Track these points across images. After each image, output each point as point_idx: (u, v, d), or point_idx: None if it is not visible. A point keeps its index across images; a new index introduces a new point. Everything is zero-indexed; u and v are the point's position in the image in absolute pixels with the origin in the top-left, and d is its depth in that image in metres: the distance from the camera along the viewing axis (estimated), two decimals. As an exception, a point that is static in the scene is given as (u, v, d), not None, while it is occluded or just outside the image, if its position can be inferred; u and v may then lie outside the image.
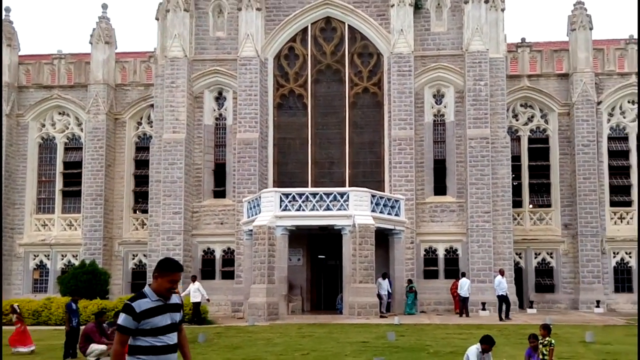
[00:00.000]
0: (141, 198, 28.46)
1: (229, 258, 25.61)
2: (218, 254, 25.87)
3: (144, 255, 26.78)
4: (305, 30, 26.70)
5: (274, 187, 24.83)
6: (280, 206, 22.35)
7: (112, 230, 28.14)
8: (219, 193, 26.42)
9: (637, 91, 27.58)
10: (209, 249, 26.01)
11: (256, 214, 22.91)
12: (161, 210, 25.17)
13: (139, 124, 29.27)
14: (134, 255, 28.06)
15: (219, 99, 27.06)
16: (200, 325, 19.97)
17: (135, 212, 28.80)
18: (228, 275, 25.34)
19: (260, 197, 22.92)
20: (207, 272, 25.73)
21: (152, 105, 27.60)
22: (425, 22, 26.13)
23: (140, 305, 4.60)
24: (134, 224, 28.58)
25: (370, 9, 26.29)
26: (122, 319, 4.61)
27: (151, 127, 27.80)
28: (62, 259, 28.44)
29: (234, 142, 25.77)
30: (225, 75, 26.48)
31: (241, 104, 25.68)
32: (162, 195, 25.26)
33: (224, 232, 25.56)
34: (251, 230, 22.78)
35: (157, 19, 27.26)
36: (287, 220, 22.27)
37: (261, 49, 26.14)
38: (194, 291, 20.85)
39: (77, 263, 26.03)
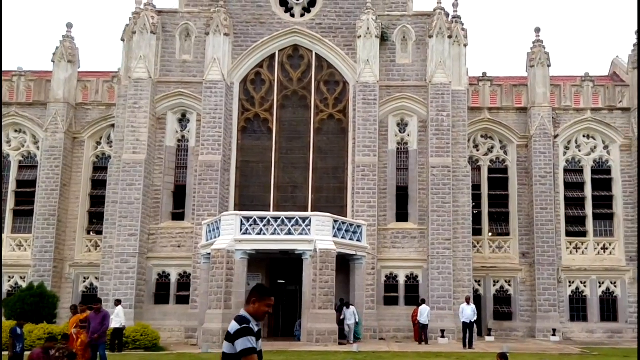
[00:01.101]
0: (96, 219, 27.94)
1: (184, 282, 25.27)
2: (173, 278, 25.49)
3: (96, 278, 26.18)
4: (272, 56, 27.21)
5: (235, 210, 24.81)
6: (241, 229, 22.32)
7: (63, 251, 27.48)
8: (178, 215, 26.21)
9: (592, 126, 28.97)
10: (164, 272, 25.61)
11: (215, 237, 22.80)
12: (116, 231, 24.78)
13: (98, 143, 29.00)
14: (85, 277, 27.39)
15: (183, 120, 27.14)
16: (120, 352, 19.10)
17: (89, 233, 28.23)
18: (183, 300, 24.96)
19: (220, 220, 22.86)
20: (161, 296, 25.30)
21: (113, 125, 27.43)
22: (391, 54, 26.98)
23: (253, 327, 4.68)
24: (87, 246, 27.98)
25: (337, 39, 27.04)
26: (247, 341, 4.59)
27: (111, 147, 27.58)
28: (9, 281, 27.52)
29: (196, 164, 25.76)
30: (189, 98, 26.65)
31: (205, 126, 25.80)
32: (118, 217, 24.91)
33: (180, 255, 25.27)
34: (209, 254, 22.63)
35: (122, 39, 27.39)
36: (247, 244, 22.22)
37: (227, 73, 26.48)
38: (116, 316, 19.52)
39: (24, 285, 25.25)
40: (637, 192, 27.67)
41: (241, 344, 4.59)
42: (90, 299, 22.38)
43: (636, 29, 29.11)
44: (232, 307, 21.56)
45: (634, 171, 28.07)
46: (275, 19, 27.10)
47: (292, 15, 27.34)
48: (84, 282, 27.42)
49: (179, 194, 26.44)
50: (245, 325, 4.64)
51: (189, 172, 26.31)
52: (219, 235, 22.59)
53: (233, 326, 4.78)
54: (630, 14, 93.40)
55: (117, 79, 27.76)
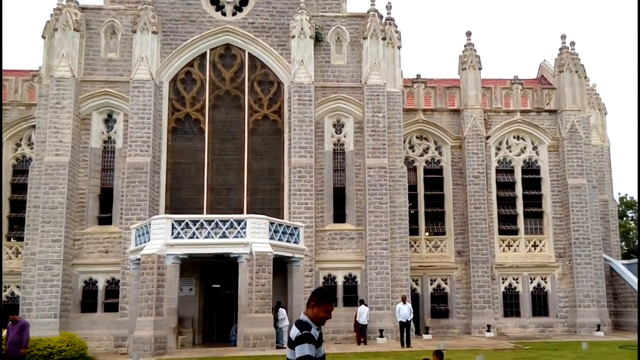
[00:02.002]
0: (17, 224, 26.73)
1: (113, 289, 24.58)
2: (101, 285, 24.75)
3: (17, 287, 25.03)
4: (203, 55, 27.01)
5: (166, 213, 24.35)
6: (172, 233, 21.90)
7: (-20, 260, 26.01)
8: (105, 220, 25.46)
9: (521, 128, 30.40)
10: (91, 279, 24.80)
11: (145, 241, 22.28)
12: (39, 237, 23.79)
13: (18, 145, 27.83)
14: (5, 286, 26.04)
15: (109, 121, 26.45)
16: None
17: (9, 239, 26.92)
18: (111, 307, 24.26)
19: (150, 224, 22.35)
20: (88, 304, 24.52)
21: (33, 126, 26.42)
22: (326, 55, 27.37)
23: (315, 333, 4.60)
24: (7, 253, 26.63)
25: (271, 38, 27.17)
26: (306, 349, 4.51)
27: (31, 149, 26.55)
28: None
29: (124, 166, 25.13)
30: (116, 97, 26.02)
31: (133, 127, 25.23)
32: (40, 222, 23.92)
33: (108, 261, 24.58)
34: (139, 259, 22.06)
35: (43, 37, 26.48)
36: (179, 249, 21.82)
37: (156, 72, 26.04)
38: None
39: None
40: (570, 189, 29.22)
41: (299, 351, 4.55)
42: (13, 309, 21.34)
43: (563, 33, 30.90)
44: (164, 314, 21.14)
45: (560, 171, 29.67)
46: (205, 17, 26.95)
47: (224, 14, 27.27)
48: (5, 290, 26.07)
49: (106, 198, 25.72)
50: (305, 331, 4.61)
51: (116, 175, 25.64)
52: (148, 240, 22.08)
53: (294, 332, 4.75)
54: (557, 19, 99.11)
55: (38, 77, 26.82)
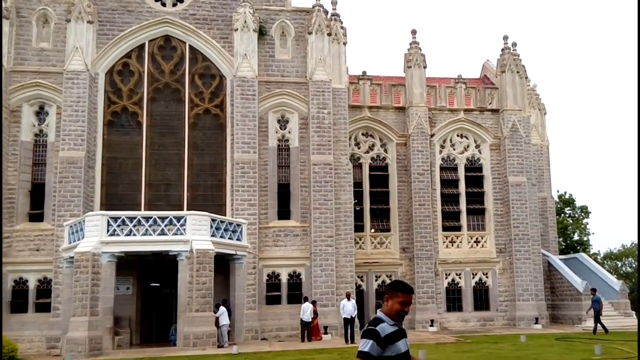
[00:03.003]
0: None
1: (45, 289, 24.01)
2: (32, 284, 24.12)
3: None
4: (142, 47, 26.74)
5: (101, 210, 23.95)
6: (108, 231, 21.65)
7: None
8: (36, 216, 24.80)
9: (465, 126, 31.54)
10: (21, 278, 24.14)
11: (79, 239, 21.93)
12: (-37, 236, 22.87)
13: (-60, 139, 26.62)
14: None
15: (40, 113, 25.79)
16: None
17: None
18: (43, 307, 23.72)
19: (84, 221, 21.99)
20: (18, 304, 23.90)
21: (-44, 119, 25.33)
22: (270, 49, 27.59)
23: (384, 329, 4.45)
24: None
25: (213, 31, 27.15)
26: (367, 345, 4.38)
27: (-46, 142, 25.42)
28: None
29: (56, 160, 24.55)
30: (48, 89, 25.42)
31: (66, 120, 24.70)
32: (-36, 220, 22.99)
33: (40, 259, 24.00)
34: (72, 258, 21.68)
35: (-32, 24, 25.47)
36: (114, 246, 21.61)
37: (91, 63, 25.59)
38: None
39: None
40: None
41: (360, 345, 4.47)
42: None
43: (505, 34, 32.32)
44: (99, 314, 20.87)
45: (502, 169, 30.98)
46: (144, 7, 26.71)
47: (164, 4, 27.08)
48: None
49: (37, 193, 25.09)
50: (370, 327, 4.50)
51: (48, 169, 25.03)
52: (82, 237, 21.73)
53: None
54: (499, 20, 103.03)
55: (-38, 67, 25.70)
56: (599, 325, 24.36)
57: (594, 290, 26.11)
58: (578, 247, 45.73)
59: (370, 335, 4.41)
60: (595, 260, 44.21)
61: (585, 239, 48.36)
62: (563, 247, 44.12)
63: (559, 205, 45.56)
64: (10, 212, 24.32)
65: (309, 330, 23.51)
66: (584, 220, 48.63)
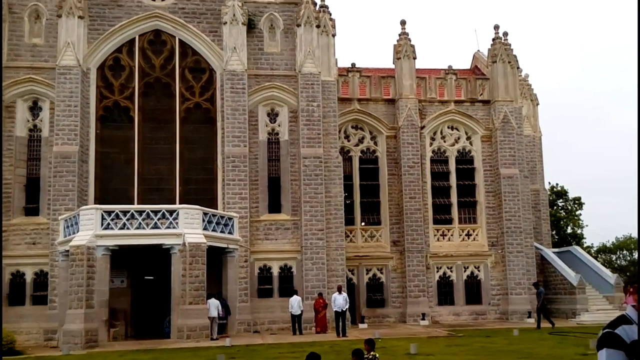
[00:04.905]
0: None
1: (41, 282, 25.71)
2: (29, 278, 25.83)
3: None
4: (132, 41, 28.24)
5: (95, 204, 25.52)
6: (102, 224, 23.11)
7: None
8: (32, 210, 26.48)
9: (455, 118, 33.21)
10: (18, 272, 25.86)
11: (74, 233, 23.41)
12: (-41, 231, 24.46)
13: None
14: None
15: (34, 109, 27.38)
16: None
17: None
18: (40, 300, 25.39)
19: (79, 215, 23.47)
20: (15, 297, 25.55)
21: (-51, 114, 26.87)
22: (259, 42, 29.08)
23: (629, 333, 3.46)
24: None
25: (202, 24, 28.65)
26: (605, 355, 3.45)
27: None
28: None
29: (50, 155, 26.16)
30: (41, 84, 26.99)
31: (59, 114, 26.27)
32: (-40, 215, 24.62)
33: (36, 253, 25.67)
34: (68, 251, 23.18)
35: (-41, 19, 26.93)
36: (109, 240, 23.06)
37: (83, 59, 27.12)
38: None
39: None
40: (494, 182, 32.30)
41: (598, 357, 3.57)
42: None
43: (496, 24, 33.90)
44: (95, 307, 22.39)
45: (493, 161, 32.68)
46: (134, 1, 28.17)
47: (154, -1, 28.55)
48: None
49: (33, 188, 26.70)
50: (607, 330, 3.53)
51: (42, 164, 26.64)
52: (77, 231, 23.21)
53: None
54: (490, 9, 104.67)
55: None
56: (542, 317, 25.97)
57: (536, 285, 27.78)
58: (572, 241, 47.20)
59: (609, 342, 3.50)
60: (589, 253, 45.86)
61: (579, 231, 50.00)
62: (556, 239, 45.72)
63: (551, 198, 47.02)
64: (6, 206, 25.91)
65: (300, 323, 25.02)
66: (578, 212, 50.19)
